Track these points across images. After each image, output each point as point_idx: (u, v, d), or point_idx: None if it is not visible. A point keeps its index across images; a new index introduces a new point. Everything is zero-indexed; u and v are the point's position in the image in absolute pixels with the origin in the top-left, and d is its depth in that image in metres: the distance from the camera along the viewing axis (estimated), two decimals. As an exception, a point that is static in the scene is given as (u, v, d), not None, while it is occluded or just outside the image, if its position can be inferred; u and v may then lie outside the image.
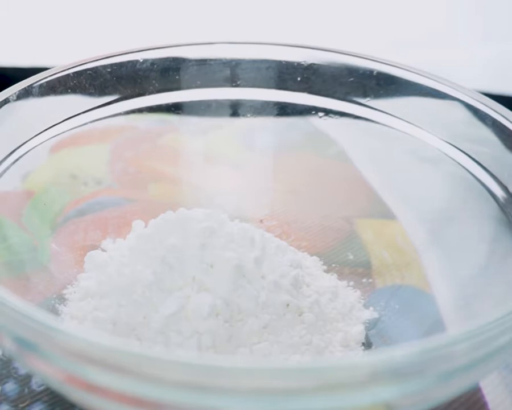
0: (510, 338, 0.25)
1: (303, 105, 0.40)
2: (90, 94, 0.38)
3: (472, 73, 0.55)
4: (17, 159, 0.35)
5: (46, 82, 0.37)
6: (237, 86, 0.41)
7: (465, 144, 0.36)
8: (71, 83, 0.38)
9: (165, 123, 0.42)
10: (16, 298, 0.25)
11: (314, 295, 0.34)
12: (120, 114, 0.39)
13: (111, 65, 0.39)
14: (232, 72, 0.41)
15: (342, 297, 0.35)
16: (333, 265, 0.37)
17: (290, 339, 0.31)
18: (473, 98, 0.36)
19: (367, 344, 0.33)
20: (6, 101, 0.35)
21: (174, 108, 0.40)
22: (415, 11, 0.65)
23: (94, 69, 0.38)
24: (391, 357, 0.23)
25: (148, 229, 0.35)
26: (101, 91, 0.39)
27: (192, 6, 0.64)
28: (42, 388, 0.31)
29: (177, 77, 0.40)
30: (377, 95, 0.39)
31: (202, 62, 0.41)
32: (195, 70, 0.40)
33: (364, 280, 0.37)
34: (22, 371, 0.32)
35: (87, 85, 0.38)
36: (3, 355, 0.32)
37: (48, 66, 0.37)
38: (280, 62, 0.40)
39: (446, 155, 0.37)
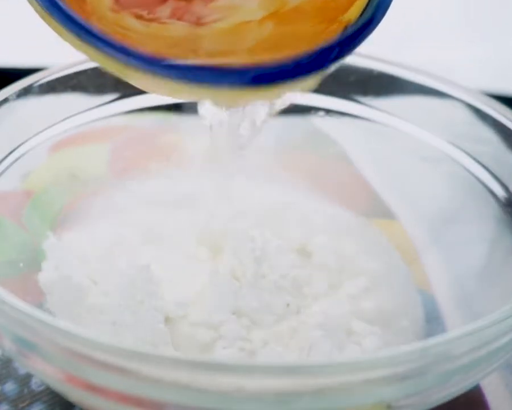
0: (510, 338, 0.25)
1: (303, 105, 0.40)
2: (90, 93, 0.38)
3: (472, 73, 0.55)
4: (17, 159, 0.35)
5: (46, 82, 0.37)
6: (237, 85, 0.41)
7: (465, 144, 0.36)
8: (71, 83, 0.38)
9: (165, 123, 0.42)
10: (16, 298, 0.25)
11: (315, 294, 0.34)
12: (120, 113, 0.39)
13: (111, 65, 0.39)
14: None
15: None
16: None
17: (290, 339, 0.31)
18: (473, 97, 0.36)
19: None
20: (6, 101, 0.35)
21: (174, 108, 0.40)
22: (415, 11, 0.65)
23: (94, 69, 0.38)
24: (391, 357, 0.23)
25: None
26: (101, 91, 0.39)
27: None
28: (42, 388, 0.31)
29: (177, 77, 0.40)
30: (377, 95, 0.39)
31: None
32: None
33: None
34: (22, 371, 0.32)
35: (87, 85, 0.38)
36: (3, 355, 0.32)
37: (48, 66, 0.37)
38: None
39: (446, 154, 0.37)
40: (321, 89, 0.40)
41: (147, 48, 0.25)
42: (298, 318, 0.32)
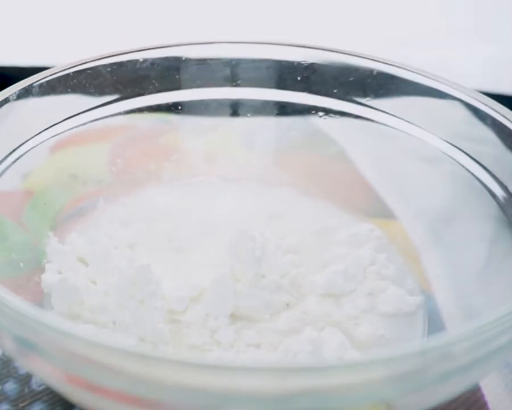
0: (510, 338, 0.25)
1: (303, 105, 0.40)
2: (90, 93, 0.38)
3: (472, 73, 0.55)
4: (17, 159, 0.35)
5: (46, 82, 0.37)
6: (237, 85, 0.41)
7: (465, 144, 0.36)
8: (71, 83, 0.38)
9: (165, 123, 0.42)
10: (16, 298, 0.25)
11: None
12: (120, 113, 0.39)
13: (111, 65, 0.39)
14: (232, 71, 0.41)
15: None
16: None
17: (290, 339, 0.31)
18: (472, 97, 0.36)
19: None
20: (6, 101, 0.35)
21: (174, 108, 0.40)
22: (415, 11, 0.65)
23: (94, 69, 0.38)
24: (391, 357, 0.23)
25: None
26: (101, 91, 0.39)
27: (191, 6, 0.64)
28: (42, 387, 0.31)
29: (177, 77, 0.40)
30: (377, 95, 0.39)
31: (202, 61, 0.41)
32: (195, 70, 0.40)
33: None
34: (22, 371, 0.32)
35: (87, 85, 0.38)
36: (3, 354, 0.32)
37: (48, 66, 0.37)
38: (280, 62, 0.40)
39: (446, 154, 0.37)
40: (321, 89, 0.40)
41: None
42: (298, 318, 0.32)
